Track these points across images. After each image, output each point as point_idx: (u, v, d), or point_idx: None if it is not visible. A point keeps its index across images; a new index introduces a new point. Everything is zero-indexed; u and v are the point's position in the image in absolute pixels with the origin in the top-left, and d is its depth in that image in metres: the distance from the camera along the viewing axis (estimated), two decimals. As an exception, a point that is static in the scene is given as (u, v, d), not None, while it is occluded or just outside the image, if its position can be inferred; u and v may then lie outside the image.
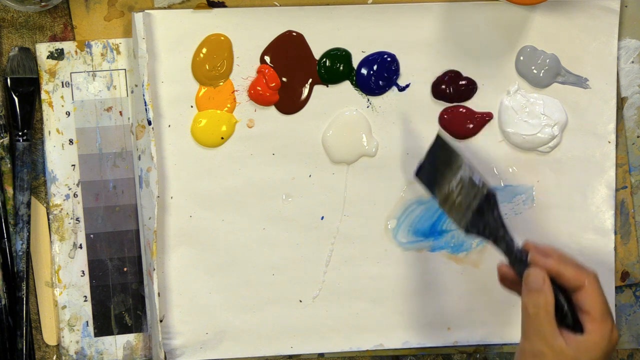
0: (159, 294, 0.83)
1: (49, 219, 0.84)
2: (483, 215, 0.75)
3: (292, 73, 0.84)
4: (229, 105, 0.84)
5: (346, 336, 0.87)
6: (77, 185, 0.83)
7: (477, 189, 0.75)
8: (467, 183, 0.76)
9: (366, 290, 0.86)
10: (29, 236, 0.82)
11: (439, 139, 0.78)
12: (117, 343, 0.85)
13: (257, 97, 0.84)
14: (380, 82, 0.85)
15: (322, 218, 0.86)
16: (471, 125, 0.86)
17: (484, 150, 0.86)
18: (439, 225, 0.86)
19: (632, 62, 0.87)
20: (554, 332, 0.69)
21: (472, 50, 0.85)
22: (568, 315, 0.70)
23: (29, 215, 0.82)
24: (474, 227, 0.75)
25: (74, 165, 0.83)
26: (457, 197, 0.76)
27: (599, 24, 0.86)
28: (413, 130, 0.85)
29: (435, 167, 0.78)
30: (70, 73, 0.83)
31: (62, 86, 0.83)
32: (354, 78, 0.85)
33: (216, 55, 0.83)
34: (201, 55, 0.83)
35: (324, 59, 0.84)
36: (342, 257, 0.86)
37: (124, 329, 0.85)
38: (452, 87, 0.85)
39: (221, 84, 0.84)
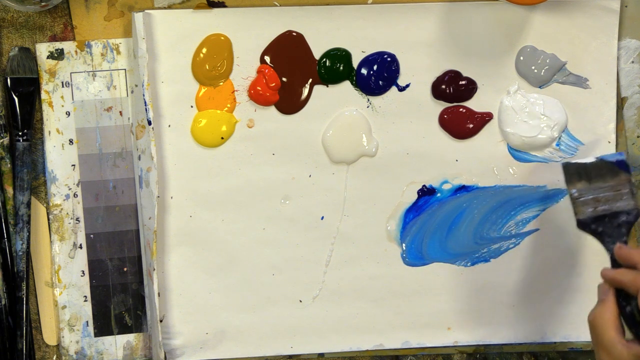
0: (159, 294, 0.83)
1: (49, 219, 0.84)
2: (611, 223, 0.78)
3: (292, 73, 0.84)
4: (229, 105, 0.84)
5: (346, 336, 0.87)
6: (77, 185, 0.83)
7: (630, 202, 0.78)
8: (627, 194, 0.79)
9: (366, 290, 0.86)
10: (29, 236, 0.82)
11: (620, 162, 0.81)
12: (117, 343, 0.85)
13: (257, 97, 0.84)
14: (380, 82, 0.85)
15: (322, 218, 0.86)
16: (471, 125, 0.86)
17: (484, 150, 0.86)
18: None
19: (632, 62, 0.87)
20: (613, 340, 0.69)
21: (472, 50, 0.85)
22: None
23: (29, 215, 0.82)
24: (591, 226, 0.78)
25: (74, 165, 0.83)
26: (603, 195, 0.79)
27: (599, 24, 0.86)
28: (413, 130, 0.85)
29: (595, 171, 0.81)
30: (70, 73, 0.83)
31: (62, 86, 0.83)
32: (354, 78, 0.85)
33: (216, 55, 0.83)
34: (201, 55, 0.83)
35: (324, 59, 0.84)
36: (342, 257, 0.86)
37: (124, 329, 0.85)
38: (452, 87, 0.85)
39: (221, 84, 0.84)
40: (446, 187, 0.86)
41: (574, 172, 0.81)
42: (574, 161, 0.81)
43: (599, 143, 0.87)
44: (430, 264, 0.86)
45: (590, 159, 0.80)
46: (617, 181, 0.79)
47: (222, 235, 0.85)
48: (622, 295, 0.71)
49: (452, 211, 0.86)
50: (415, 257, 0.86)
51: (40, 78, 0.82)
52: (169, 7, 0.83)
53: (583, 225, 0.78)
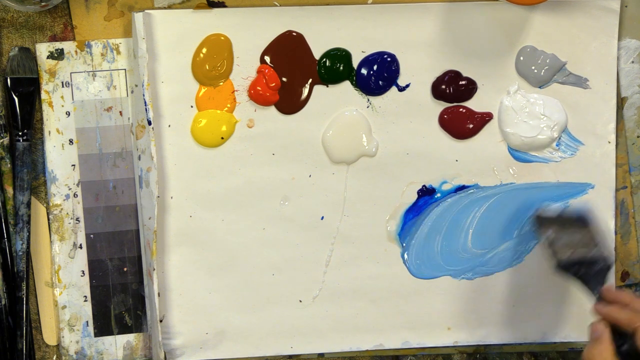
0: (159, 294, 0.83)
1: (49, 219, 0.84)
2: (590, 268, 0.78)
3: (292, 73, 0.84)
4: (229, 105, 0.84)
5: (346, 336, 0.87)
6: (77, 185, 0.84)
7: (600, 252, 0.80)
8: (596, 245, 0.80)
9: (366, 290, 0.86)
10: (29, 236, 0.82)
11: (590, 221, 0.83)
12: (117, 343, 0.85)
13: (257, 97, 0.84)
14: (380, 82, 0.85)
15: (322, 218, 0.86)
16: (471, 125, 0.86)
17: (484, 150, 0.86)
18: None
19: (632, 62, 0.87)
20: None
21: (472, 50, 0.85)
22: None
23: (29, 215, 0.82)
24: (572, 269, 0.79)
25: (74, 165, 0.83)
26: (578, 241, 0.80)
27: (599, 24, 0.86)
28: (413, 130, 0.85)
29: (565, 219, 0.83)
30: (70, 73, 0.83)
31: (62, 86, 0.83)
32: (354, 78, 0.85)
33: (216, 55, 0.83)
34: (201, 55, 0.83)
35: (324, 59, 0.84)
36: (342, 257, 0.86)
37: (124, 329, 0.85)
38: (452, 87, 0.85)
39: (221, 84, 0.84)
40: (446, 187, 0.86)
41: (544, 220, 0.83)
42: (544, 214, 0.83)
43: (599, 143, 0.87)
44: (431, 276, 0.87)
45: (559, 209, 0.84)
46: (586, 231, 0.81)
47: (222, 235, 0.85)
48: (616, 333, 0.72)
49: (451, 211, 0.86)
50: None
51: (40, 78, 0.82)
52: (169, 7, 0.83)
53: (564, 267, 0.79)
